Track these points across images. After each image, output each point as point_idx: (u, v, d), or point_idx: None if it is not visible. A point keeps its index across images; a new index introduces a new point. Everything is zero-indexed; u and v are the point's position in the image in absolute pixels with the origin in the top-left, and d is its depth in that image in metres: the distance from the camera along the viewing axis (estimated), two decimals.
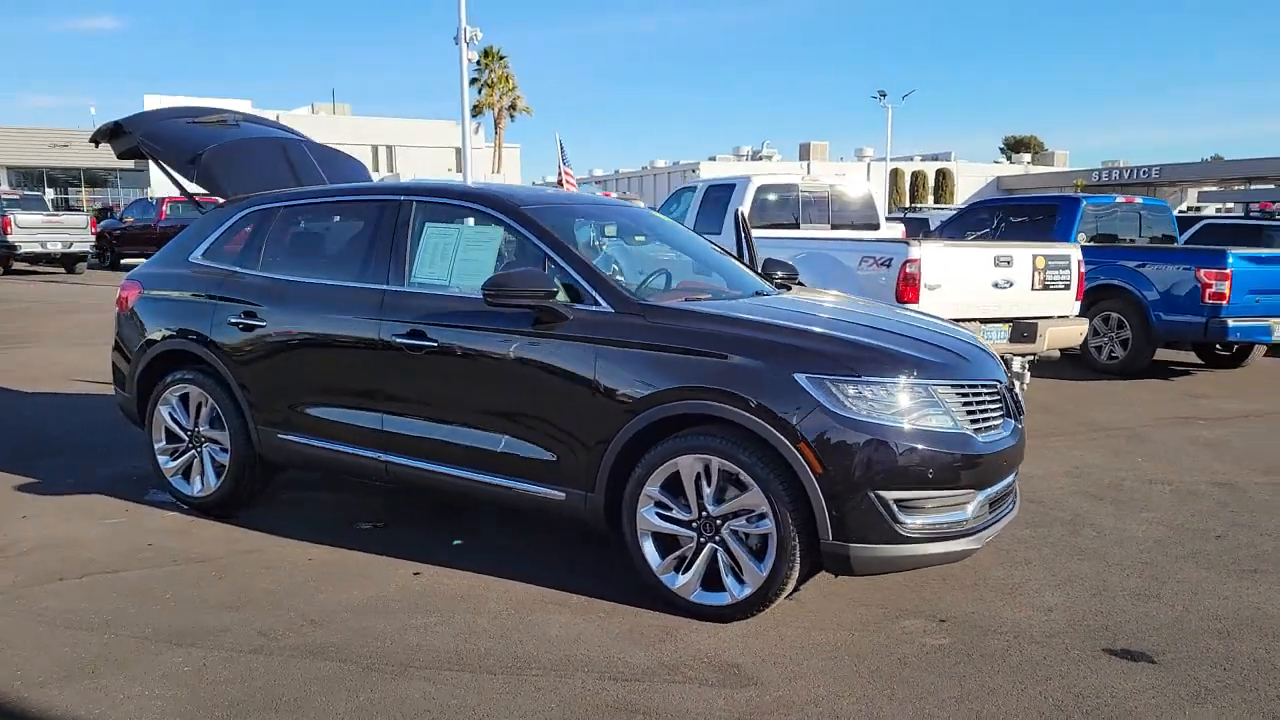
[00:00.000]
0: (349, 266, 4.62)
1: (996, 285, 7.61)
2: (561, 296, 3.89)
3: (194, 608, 3.77)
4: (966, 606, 3.83)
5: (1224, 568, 4.28)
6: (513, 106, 61.54)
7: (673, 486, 3.68)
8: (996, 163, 72.57)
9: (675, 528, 3.69)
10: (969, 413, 3.61)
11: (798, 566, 3.49)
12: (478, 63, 58.54)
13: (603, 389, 3.75)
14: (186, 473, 5.00)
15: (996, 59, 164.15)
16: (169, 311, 5.03)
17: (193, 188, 5.39)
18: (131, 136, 5.44)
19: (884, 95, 46.01)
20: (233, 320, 4.72)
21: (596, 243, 5.14)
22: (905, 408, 3.45)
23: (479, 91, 59.41)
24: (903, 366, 3.52)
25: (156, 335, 5.01)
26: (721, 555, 3.61)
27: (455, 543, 4.51)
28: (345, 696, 3.07)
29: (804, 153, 63.78)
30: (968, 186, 59.34)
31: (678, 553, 3.70)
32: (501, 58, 59.62)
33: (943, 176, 59.86)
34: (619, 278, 4.30)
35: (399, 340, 4.20)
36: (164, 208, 23.48)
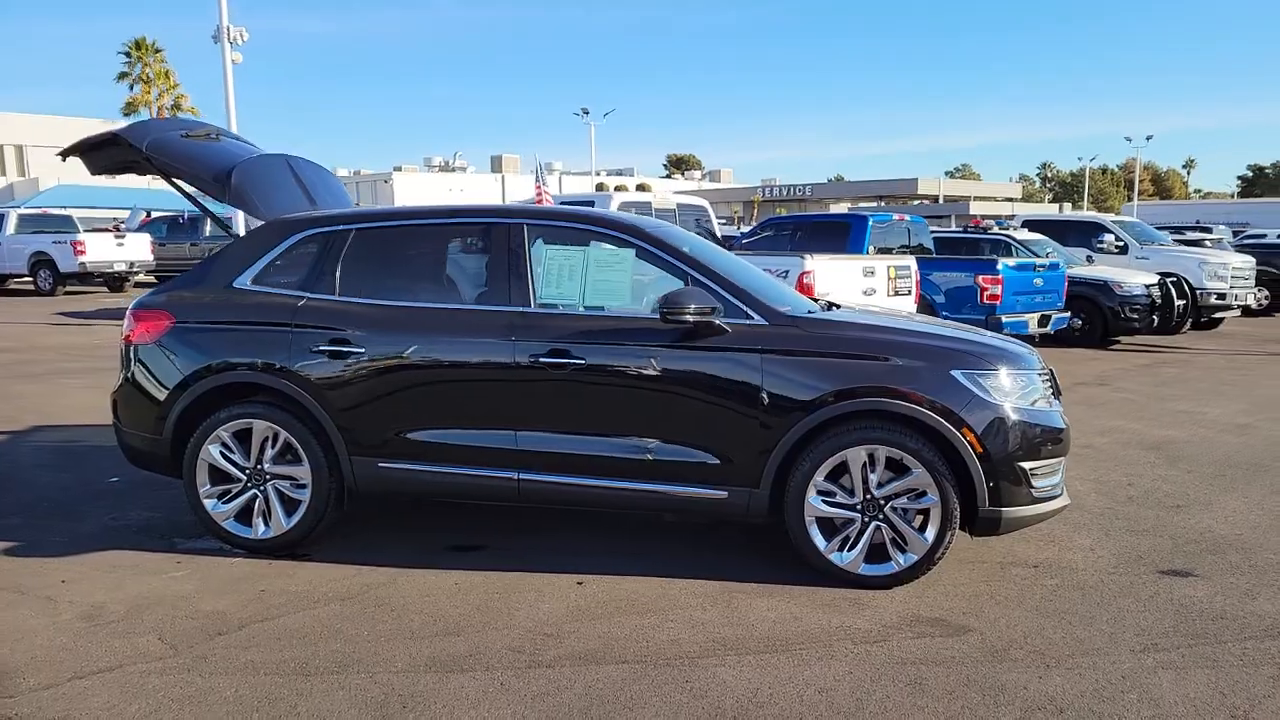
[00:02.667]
0: (459, 289, 4.61)
1: (865, 292, 8.81)
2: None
3: (406, 638, 3.71)
4: (1035, 555, 4.72)
5: (1185, 507, 5.58)
6: (176, 105, 56.22)
7: (836, 475, 4.22)
8: (669, 177, 77.92)
9: (841, 511, 4.23)
10: (1050, 395, 4.51)
11: (954, 533, 4.18)
12: (127, 54, 53.13)
13: (771, 394, 4.19)
14: (244, 515, 4.67)
15: (657, 79, 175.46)
16: (221, 342, 4.67)
17: (214, 206, 5.00)
18: (129, 150, 4.92)
19: (586, 112, 47.95)
20: (319, 348, 4.53)
21: None
22: (1026, 393, 4.27)
23: (131, 88, 53.67)
24: (1019, 360, 4.35)
25: (206, 368, 4.63)
26: (885, 531, 4.21)
27: (582, 580, 4.69)
28: (673, 689, 3.30)
29: (496, 165, 64.50)
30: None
31: (841, 534, 4.25)
32: (157, 51, 54.36)
33: (641, 191, 63.29)
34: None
35: (542, 360, 4.33)
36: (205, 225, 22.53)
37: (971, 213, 43.36)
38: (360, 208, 5.10)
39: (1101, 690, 3.32)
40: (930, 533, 4.17)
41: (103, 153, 5.03)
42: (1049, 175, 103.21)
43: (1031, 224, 16.97)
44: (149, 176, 5.40)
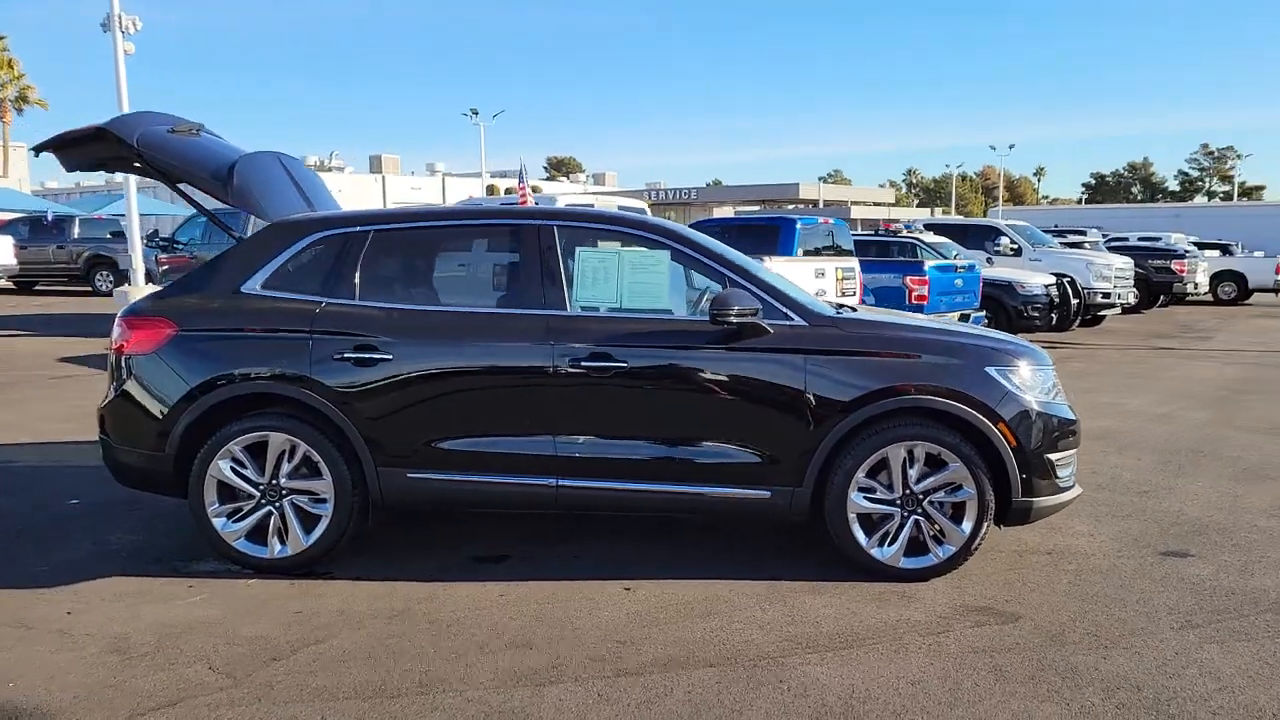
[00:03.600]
0: (487, 293, 4.48)
1: (817, 293, 9.00)
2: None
3: (478, 653, 3.59)
4: (1044, 542, 4.93)
5: (1168, 488, 5.92)
6: (21, 98, 52.49)
7: (876, 471, 4.31)
8: (551, 179, 77.70)
9: (881, 507, 4.33)
10: (1061, 389, 4.73)
11: (989, 525, 4.34)
12: None
13: (814, 393, 4.25)
14: (257, 533, 4.42)
15: (539, 81, 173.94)
16: (232, 351, 4.41)
17: (209, 203, 4.72)
18: (115, 145, 4.58)
19: (476, 113, 47.32)
20: (343, 355, 4.33)
21: None
22: (1046, 387, 4.47)
23: None
24: (1038, 356, 4.54)
25: (216, 379, 4.36)
26: (924, 525, 4.33)
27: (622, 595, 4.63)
28: (771, 690, 3.31)
29: (375, 165, 62.87)
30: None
31: (881, 529, 4.34)
32: (0, 37, 50.68)
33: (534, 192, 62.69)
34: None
35: (582, 363, 4.26)
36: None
37: (852, 216, 44.92)
38: (374, 208, 4.89)
39: (1165, 667, 3.50)
40: (967, 525, 4.31)
41: (83, 148, 4.67)
42: (913, 181, 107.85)
43: (933, 227, 17.72)
44: (124, 175, 5.04)
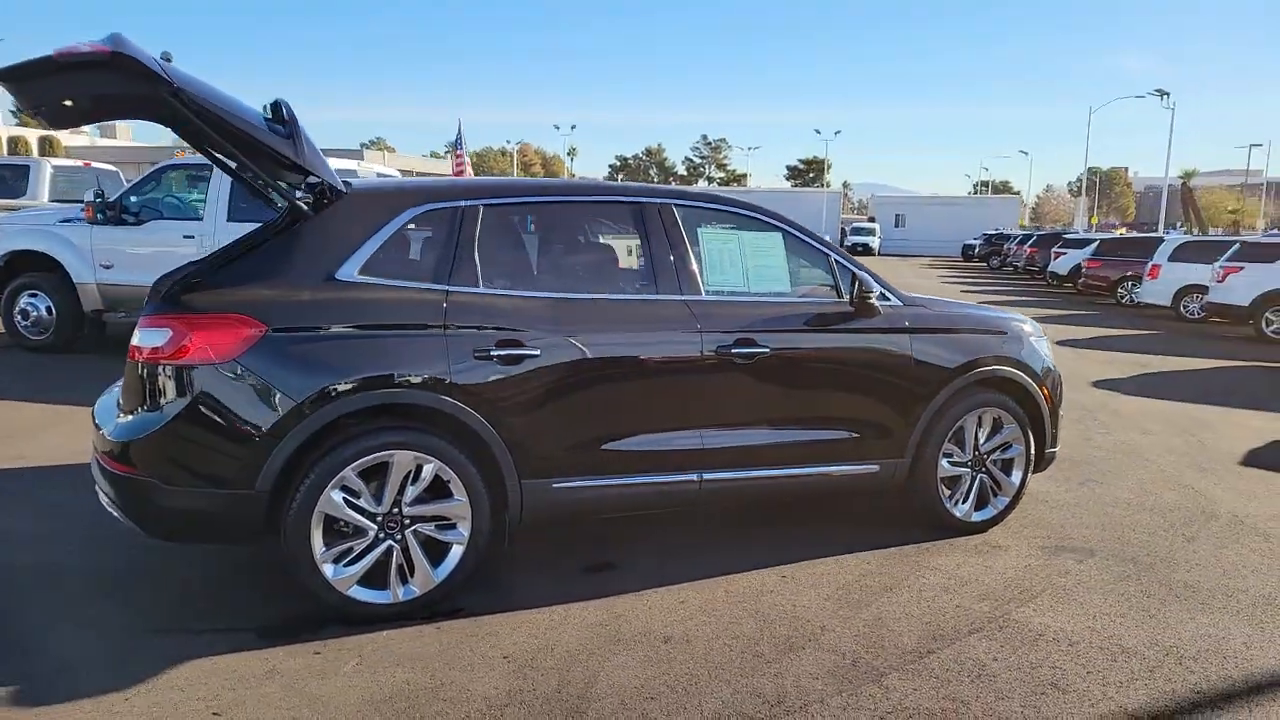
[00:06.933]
0: (617, 277, 4.06)
1: None
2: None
3: (753, 658, 3.38)
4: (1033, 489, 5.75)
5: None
6: None
7: (956, 438, 4.76)
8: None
9: (957, 469, 4.79)
10: None
11: (1030, 474, 5.00)
12: None
13: (918, 369, 4.56)
14: (374, 577, 3.62)
15: None
16: (346, 353, 3.52)
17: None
18: (130, 80, 3.30)
19: None
20: (488, 353, 3.69)
21: None
22: (1050, 353, 5.23)
23: None
24: (1038, 327, 5.30)
25: (331, 389, 3.46)
26: (987, 482, 4.87)
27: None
28: (1024, 646, 3.60)
29: None
30: None
31: (957, 489, 4.80)
32: None
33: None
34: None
35: (730, 351, 4.11)
36: None
37: None
38: (471, 178, 4.13)
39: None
40: (1016, 476, 4.93)
41: (66, 80, 3.27)
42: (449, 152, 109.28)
43: None
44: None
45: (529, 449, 3.79)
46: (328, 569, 3.53)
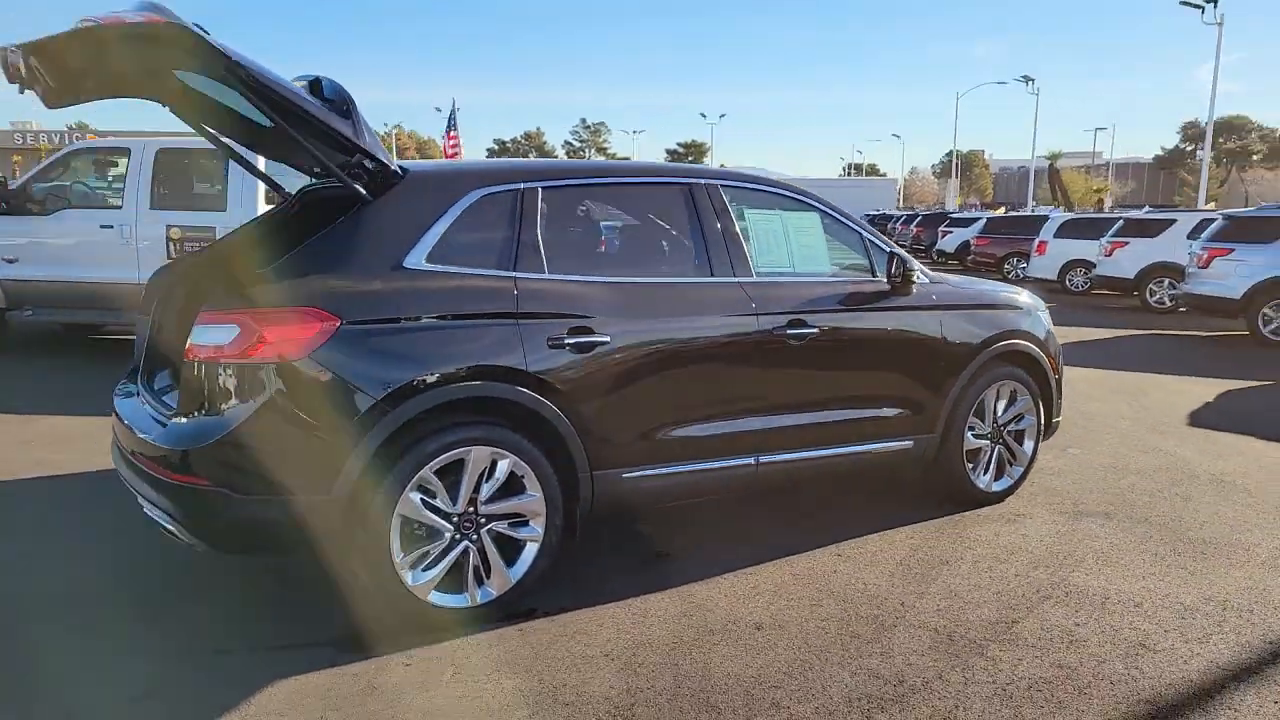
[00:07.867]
0: (667, 258, 3.95)
1: None
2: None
3: (843, 652, 3.39)
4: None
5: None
6: None
7: (978, 411, 4.87)
8: None
9: (980, 441, 4.90)
10: None
11: (1039, 444, 5.17)
12: None
13: (948, 345, 4.64)
14: (450, 580, 3.44)
15: None
16: (421, 346, 3.31)
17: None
18: (173, 53, 2.99)
19: None
20: (561, 341, 3.55)
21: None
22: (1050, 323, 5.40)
23: None
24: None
25: (412, 384, 3.24)
26: (1004, 453, 5.01)
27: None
28: (1092, 607, 3.73)
29: None
30: None
31: (978, 461, 4.92)
32: None
33: None
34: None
35: (784, 333, 4.09)
36: None
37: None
38: (524, 160, 3.94)
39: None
40: (1029, 446, 5.09)
41: (104, 53, 2.92)
42: None
43: None
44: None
45: (600, 439, 3.67)
46: (406, 575, 3.33)
